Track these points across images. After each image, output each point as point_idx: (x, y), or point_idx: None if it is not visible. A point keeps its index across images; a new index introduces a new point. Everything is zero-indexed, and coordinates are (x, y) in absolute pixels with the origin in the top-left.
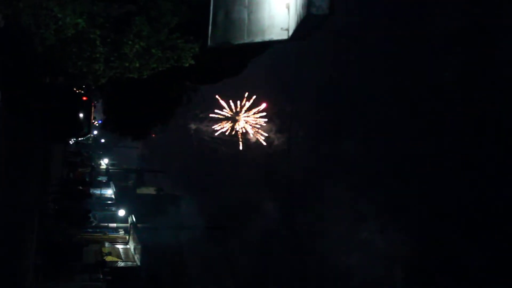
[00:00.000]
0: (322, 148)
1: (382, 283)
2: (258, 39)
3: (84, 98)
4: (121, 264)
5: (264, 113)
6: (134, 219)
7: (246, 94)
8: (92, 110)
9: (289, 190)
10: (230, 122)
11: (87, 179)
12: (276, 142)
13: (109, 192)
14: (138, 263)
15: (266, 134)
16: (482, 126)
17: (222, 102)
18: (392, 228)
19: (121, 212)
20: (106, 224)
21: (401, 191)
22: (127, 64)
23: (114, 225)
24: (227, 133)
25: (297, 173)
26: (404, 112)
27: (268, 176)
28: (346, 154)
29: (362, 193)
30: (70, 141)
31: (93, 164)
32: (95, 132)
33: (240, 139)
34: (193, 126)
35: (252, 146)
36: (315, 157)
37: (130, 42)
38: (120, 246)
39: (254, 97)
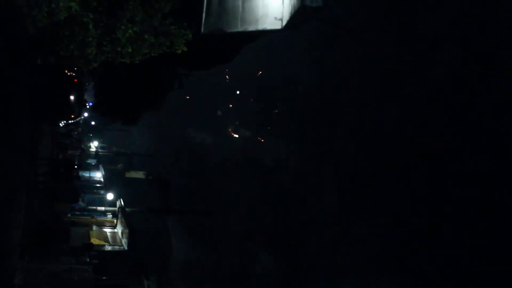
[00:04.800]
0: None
1: None
2: (252, 27)
3: (75, 80)
4: (108, 247)
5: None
6: (122, 203)
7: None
8: (84, 93)
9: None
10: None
11: (76, 162)
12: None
13: (98, 175)
14: (125, 247)
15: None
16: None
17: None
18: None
19: (110, 196)
20: (94, 207)
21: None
22: (119, 49)
23: (102, 208)
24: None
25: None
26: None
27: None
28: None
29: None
30: (61, 123)
31: (82, 146)
32: (86, 114)
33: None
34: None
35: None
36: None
37: (123, 27)
38: (107, 230)
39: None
